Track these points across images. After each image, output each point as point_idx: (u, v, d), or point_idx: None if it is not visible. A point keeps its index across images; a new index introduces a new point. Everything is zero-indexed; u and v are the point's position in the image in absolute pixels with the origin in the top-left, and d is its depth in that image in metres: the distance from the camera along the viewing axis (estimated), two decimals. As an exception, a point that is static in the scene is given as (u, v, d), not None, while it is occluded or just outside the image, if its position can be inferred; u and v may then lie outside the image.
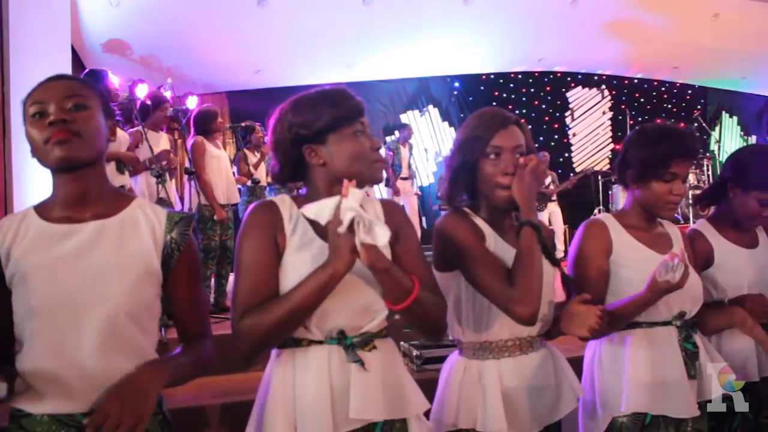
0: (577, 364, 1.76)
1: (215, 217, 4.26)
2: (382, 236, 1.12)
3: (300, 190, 1.39)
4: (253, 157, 5.21)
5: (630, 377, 1.60)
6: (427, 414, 1.39)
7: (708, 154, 9.06)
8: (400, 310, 1.23)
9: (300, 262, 1.23)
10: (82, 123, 1.17)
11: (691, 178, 7.66)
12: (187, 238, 1.27)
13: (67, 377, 1.13)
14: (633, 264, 1.64)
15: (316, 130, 1.29)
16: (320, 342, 1.25)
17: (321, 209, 1.16)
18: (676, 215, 6.69)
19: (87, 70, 3.90)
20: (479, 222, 1.50)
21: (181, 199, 4.69)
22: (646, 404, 1.58)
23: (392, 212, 1.38)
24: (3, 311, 1.17)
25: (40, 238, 1.19)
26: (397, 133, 7.85)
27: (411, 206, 7.63)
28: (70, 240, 1.18)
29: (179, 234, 1.26)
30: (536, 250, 1.40)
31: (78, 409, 1.14)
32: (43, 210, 1.23)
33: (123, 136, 3.96)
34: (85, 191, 1.21)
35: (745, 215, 1.87)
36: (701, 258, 1.86)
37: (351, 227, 1.12)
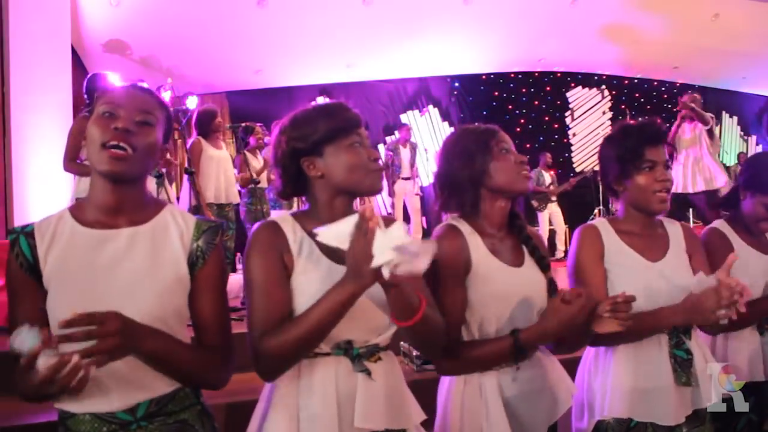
0: (574, 365, 1.76)
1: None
2: (424, 262, 1.09)
3: (303, 205, 1.40)
4: (253, 159, 5.19)
5: (614, 382, 1.60)
6: (423, 424, 1.38)
7: (708, 154, 9.05)
8: (405, 327, 1.22)
9: (308, 282, 1.23)
10: (143, 138, 1.20)
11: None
12: (213, 247, 1.27)
13: (103, 379, 1.15)
14: (620, 270, 1.63)
15: (313, 143, 1.30)
16: (327, 354, 1.26)
17: (339, 235, 1.14)
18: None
19: (89, 76, 3.87)
20: (472, 241, 1.50)
21: (178, 199, 4.68)
22: (628, 410, 1.57)
23: None
24: (43, 310, 1.19)
25: (75, 242, 1.20)
26: (396, 133, 7.82)
27: (413, 207, 7.61)
28: (105, 247, 1.20)
29: (205, 243, 1.26)
30: (497, 355, 1.44)
31: (117, 408, 1.17)
32: (78, 212, 1.25)
33: None
34: (123, 202, 1.23)
35: (753, 219, 1.93)
36: (720, 257, 1.84)
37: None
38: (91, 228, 1.22)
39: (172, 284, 1.21)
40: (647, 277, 1.62)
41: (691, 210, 6.77)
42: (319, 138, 1.29)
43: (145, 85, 1.33)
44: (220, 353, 1.27)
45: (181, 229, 1.26)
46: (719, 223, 1.97)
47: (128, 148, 1.17)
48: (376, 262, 1.08)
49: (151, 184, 4.09)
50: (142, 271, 1.19)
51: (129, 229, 1.22)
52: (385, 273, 1.09)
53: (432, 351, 1.41)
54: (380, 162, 1.35)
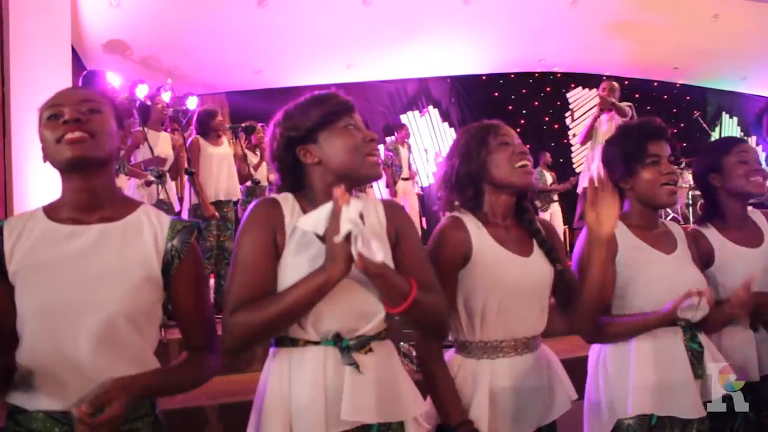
0: (577, 365, 1.76)
1: (206, 215, 4.28)
2: (378, 253, 1.12)
3: None
4: (253, 157, 5.20)
5: (636, 379, 1.59)
6: None
7: (708, 155, 9.05)
8: (397, 313, 1.23)
9: (298, 263, 1.23)
10: (96, 124, 1.21)
11: (691, 179, 7.66)
12: (188, 246, 1.26)
13: (62, 375, 1.14)
14: (638, 265, 1.64)
15: (306, 130, 1.30)
16: (316, 342, 1.25)
17: (317, 221, 1.16)
18: (675, 214, 6.68)
19: (85, 72, 3.90)
20: (475, 231, 1.51)
21: (180, 199, 4.69)
22: (653, 406, 1.58)
23: (394, 212, 1.38)
24: (6, 306, 1.19)
25: (44, 237, 1.21)
26: (395, 135, 7.82)
27: (411, 206, 7.61)
28: (73, 241, 1.20)
29: (180, 242, 1.26)
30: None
31: (71, 407, 1.14)
32: (51, 211, 1.25)
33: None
34: (94, 194, 1.23)
35: (739, 189, 1.85)
36: (703, 258, 1.85)
37: (348, 236, 1.12)
38: (62, 224, 1.22)
39: (142, 283, 1.20)
40: (668, 267, 1.64)
41: (690, 209, 6.76)
42: (312, 124, 1.30)
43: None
44: (208, 352, 1.29)
45: (155, 229, 1.25)
46: (701, 224, 1.94)
47: (85, 135, 1.18)
48: (338, 237, 1.10)
49: (151, 187, 4.11)
50: (110, 267, 1.18)
51: (99, 225, 1.22)
52: (354, 253, 1.11)
53: (433, 333, 1.40)
54: (376, 145, 1.35)
